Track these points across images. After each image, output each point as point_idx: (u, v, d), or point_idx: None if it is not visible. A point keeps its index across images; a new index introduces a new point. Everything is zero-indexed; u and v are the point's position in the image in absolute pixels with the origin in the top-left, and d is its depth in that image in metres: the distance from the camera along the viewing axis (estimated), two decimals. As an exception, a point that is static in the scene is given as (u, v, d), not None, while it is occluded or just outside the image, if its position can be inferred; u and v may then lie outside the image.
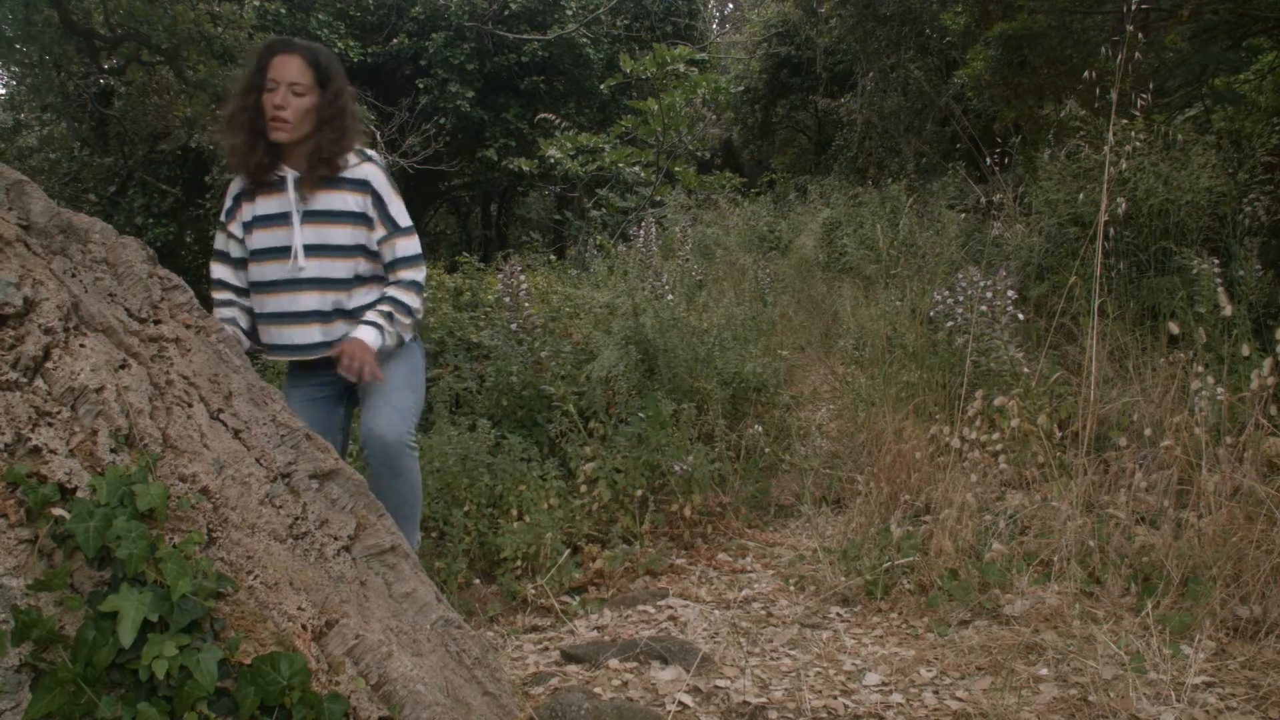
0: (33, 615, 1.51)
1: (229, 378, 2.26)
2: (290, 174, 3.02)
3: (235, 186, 3.12)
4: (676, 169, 11.27)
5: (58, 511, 1.65)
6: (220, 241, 3.17)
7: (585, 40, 16.26)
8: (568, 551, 4.13)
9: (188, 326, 2.30)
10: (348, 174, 3.04)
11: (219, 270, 3.17)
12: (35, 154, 15.51)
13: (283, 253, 3.04)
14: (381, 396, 3.04)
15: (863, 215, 9.42)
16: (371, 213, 3.05)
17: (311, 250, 3.04)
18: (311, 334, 3.06)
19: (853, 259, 8.23)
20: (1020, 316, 5.31)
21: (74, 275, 2.13)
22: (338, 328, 3.05)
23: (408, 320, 3.07)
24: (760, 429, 5.16)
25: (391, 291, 3.07)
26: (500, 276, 5.64)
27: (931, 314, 5.76)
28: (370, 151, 3.18)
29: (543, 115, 12.76)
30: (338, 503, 2.29)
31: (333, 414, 3.20)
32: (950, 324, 5.40)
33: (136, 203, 13.29)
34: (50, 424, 1.78)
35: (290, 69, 2.97)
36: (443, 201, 18.94)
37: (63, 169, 15.34)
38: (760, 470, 5.02)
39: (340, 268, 3.05)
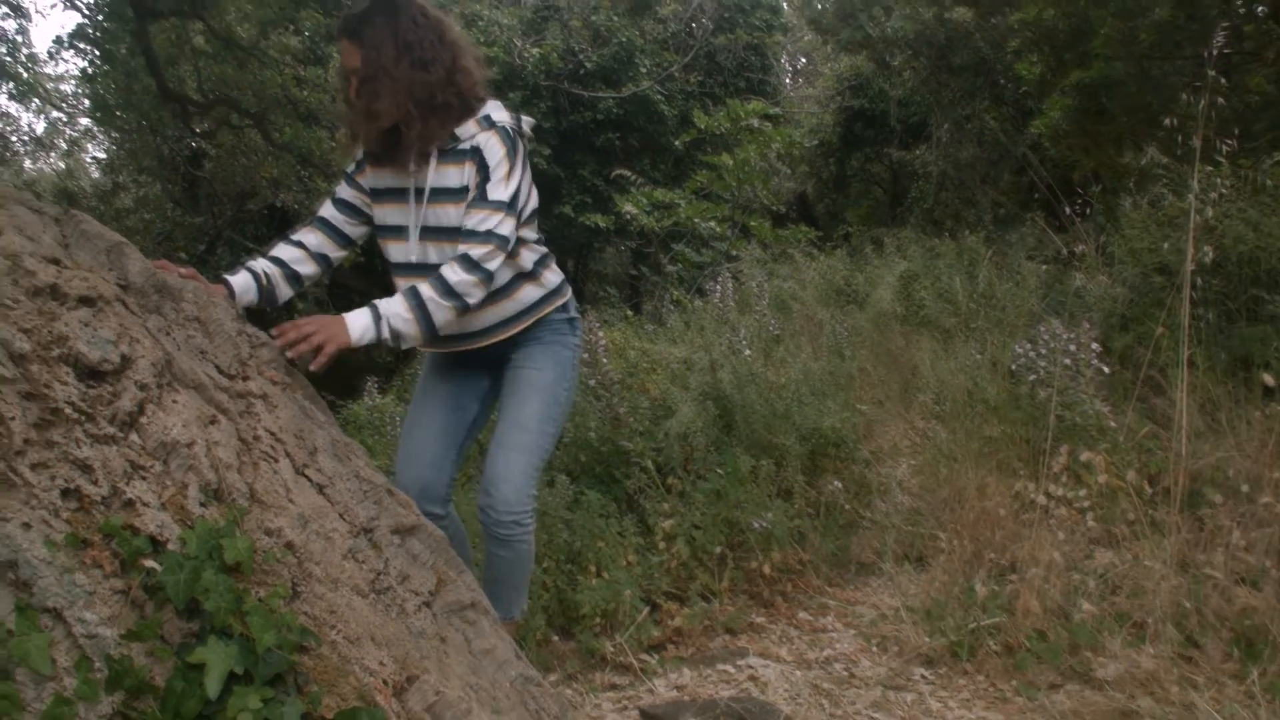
0: (125, 664, 1.55)
1: (314, 433, 2.31)
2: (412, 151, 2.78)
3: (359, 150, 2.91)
4: (751, 223, 11.29)
5: (149, 563, 1.69)
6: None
7: (659, 97, 16.44)
8: (646, 609, 4.11)
9: (274, 383, 2.35)
10: (465, 144, 2.75)
11: (323, 207, 2.97)
12: (131, 214, 16.09)
13: (401, 232, 2.85)
14: (513, 434, 2.86)
15: (940, 267, 9.33)
16: (473, 187, 2.73)
17: (428, 233, 2.80)
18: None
19: (931, 312, 8.14)
20: (1105, 369, 5.19)
21: (167, 333, 2.20)
22: (482, 317, 2.84)
23: (447, 303, 2.62)
24: (839, 485, 5.10)
25: (439, 271, 2.66)
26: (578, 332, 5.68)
27: (1013, 367, 5.66)
28: (499, 115, 2.82)
29: (618, 171, 12.91)
30: (419, 558, 2.31)
31: (463, 412, 3.06)
32: (1032, 377, 5.30)
33: (225, 260, 13.70)
34: (144, 477, 1.83)
35: (346, 56, 2.75)
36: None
37: (156, 228, 15.91)
38: (840, 527, 4.96)
39: (439, 252, 2.78)
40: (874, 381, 7.51)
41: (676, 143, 14.92)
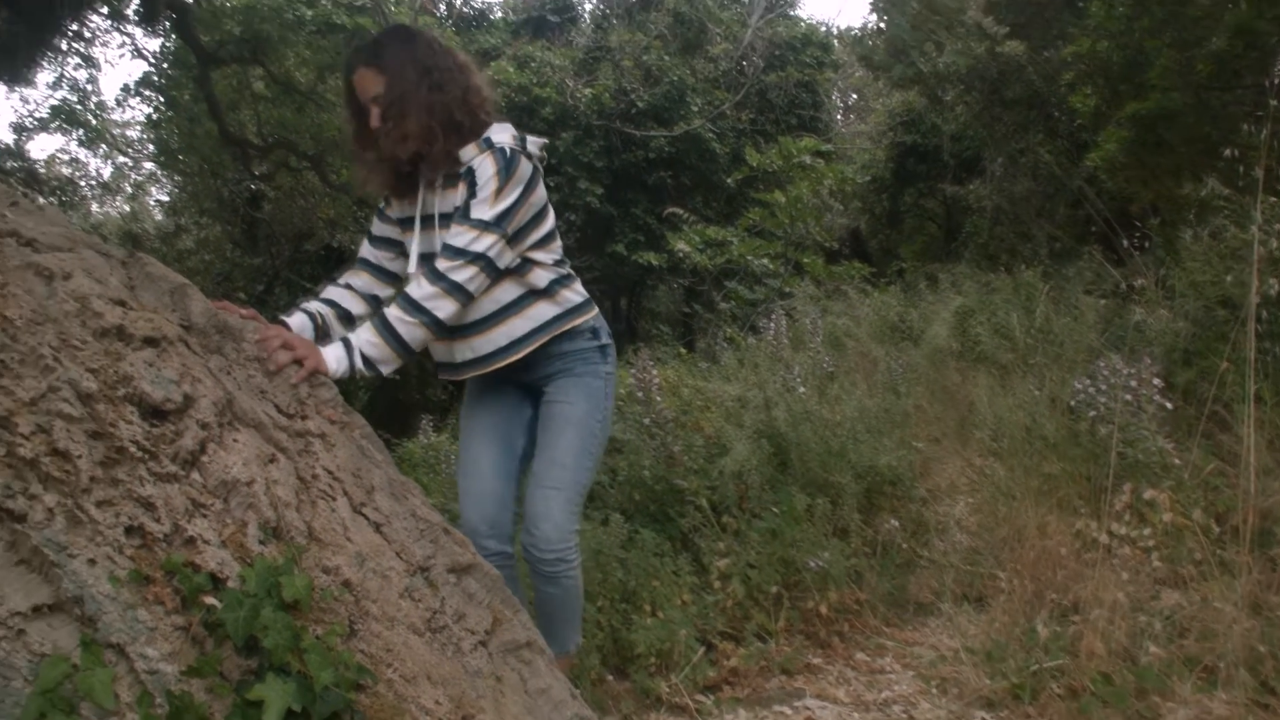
0: (185, 700, 1.56)
1: (371, 472, 2.33)
2: (423, 175, 2.82)
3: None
4: (804, 260, 11.28)
5: (209, 600, 1.71)
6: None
7: (711, 135, 16.54)
8: (702, 649, 4.07)
9: (332, 422, 2.38)
10: (463, 167, 2.75)
11: (361, 248, 3.01)
12: (193, 255, 16.47)
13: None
14: (550, 472, 2.86)
15: (996, 302, 9.24)
16: (460, 203, 2.72)
17: (424, 260, 2.78)
18: (454, 351, 2.84)
19: (987, 348, 8.05)
20: (1168, 405, 5.10)
21: (228, 372, 2.23)
22: (491, 338, 2.82)
23: (412, 319, 2.59)
24: (896, 523, 5.04)
25: (404, 288, 2.65)
26: (632, 371, 5.70)
27: (1072, 403, 5.57)
28: (499, 138, 2.78)
29: (671, 209, 12.97)
30: (474, 597, 2.32)
31: (514, 447, 3.06)
32: (1093, 413, 5.21)
33: (282, 300, 13.95)
34: (204, 515, 1.86)
35: (365, 84, 2.77)
36: (573, 296, 19.27)
37: (216, 269, 16.28)
38: (897, 566, 4.90)
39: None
40: (930, 418, 7.43)
41: (729, 180, 14.98)
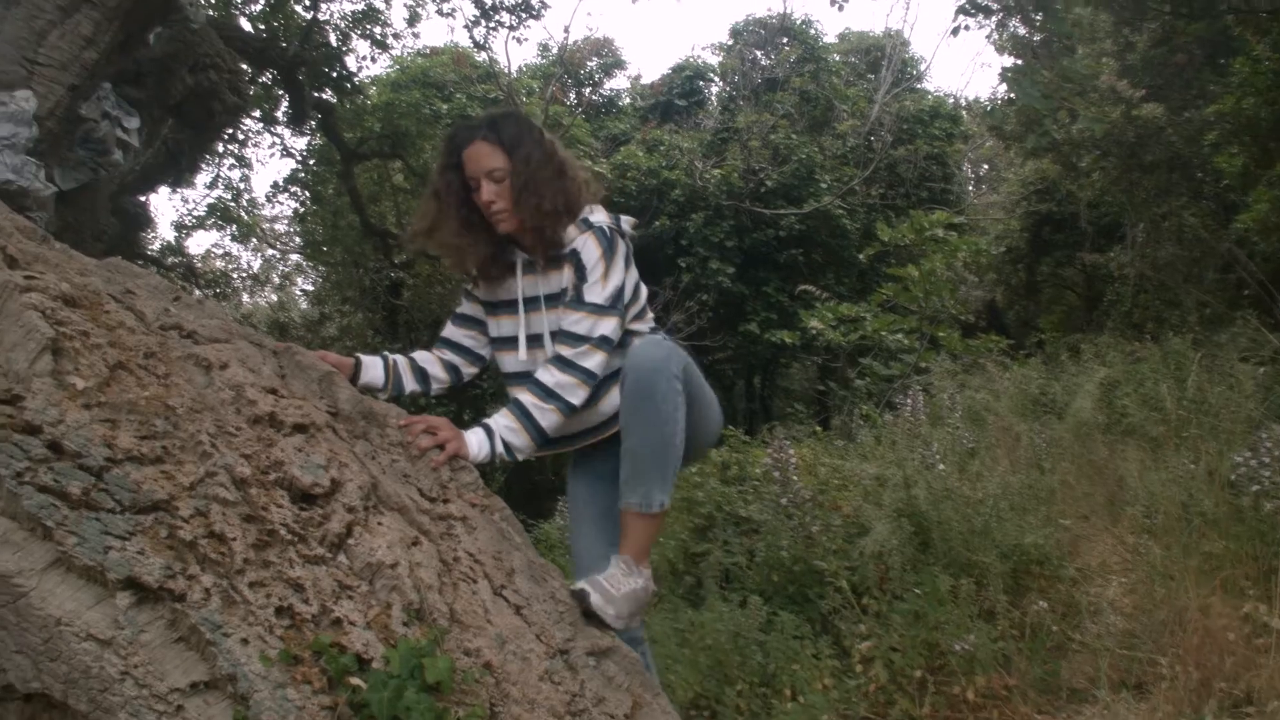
0: (334, 783, 1.59)
1: (511, 555, 2.36)
2: (520, 257, 2.85)
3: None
4: (940, 334, 11.08)
5: (355, 681, 1.74)
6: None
7: (841, 211, 16.52)
8: (845, 736, 3.96)
9: (473, 505, 2.42)
10: (566, 249, 2.79)
11: (445, 328, 3.08)
12: (336, 342, 17.07)
13: (512, 343, 2.90)
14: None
15: (1143, 373, 8.89)
16: (571, 289, 2.77)
17: (534, 340, 2.85)
18: (566, 424, 2.78)
19: (1136, 420, 7.73)
20: (1338, 478, 4.81)
21: (373, 457, 2.30)
22: (599, 410, 2.83)
23: (548, 405, 2.65)
24: (1045, 605, 4.84)
25: (535, 375, 2.70)
26: (768, 450, 5.66)
27: (1233, 477, 5.30)
28: (596, 218, 2.84)
29: (803, 287, 12.95)
30: (614, 680, 2.31)
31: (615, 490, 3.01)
32: (1255, 488, 4.95)
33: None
34: (351, 597, 1.91)
35: (482, 158, 2.78)
36: (707, 375, 19.30)
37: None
38: (1048, 650, 4.69)
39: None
40: (1077, 495, 7.16)
41: (860, 256, 14.89)
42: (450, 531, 2.30)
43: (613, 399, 2.82)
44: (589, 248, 2.75)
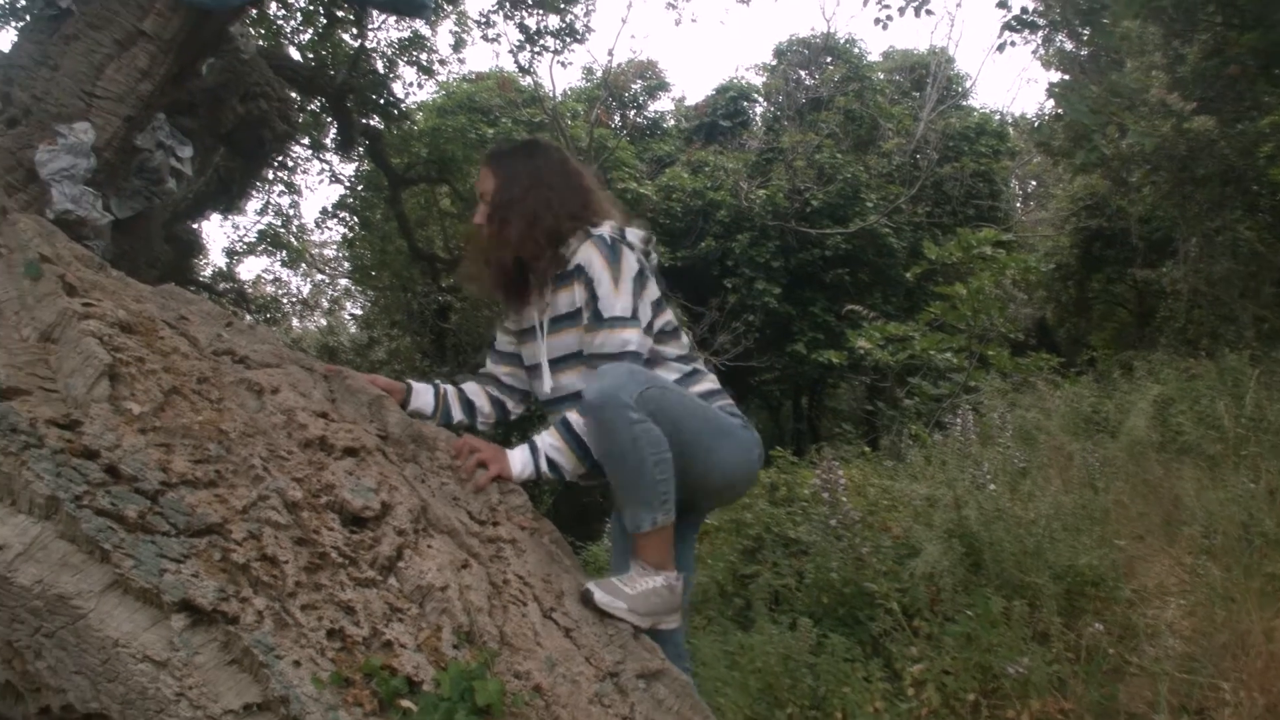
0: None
1: (560, 578, 2.36)
2: (534, 281, 2.81)
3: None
4: (989, 353, 10.97)
5: (405, 703, 1.75)
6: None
7: (887, 230, 16.45)
8: (897, 760, 3.91)
9: (523, 528, 2.43)
10: (571, 265, 2.71)
11: (486, 363, 3.09)
12: (384, 366, 17.22)
13: (536, 370, 2.87)
14: None
15: (1199, 390, 8.75)
16: (585, 307, 2.67)
17: (555, 364, 2.80)
18: None
19: (1191, 438, 7.60)
20: (1404, 496, 4.70)
21: (423, 480, 2.32)
22: None
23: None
24: (1101, 627, 4.75)
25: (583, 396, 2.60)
26: (817, 471, 5.62)
27: (1294, 496, 5.20)
28: (599, 229, 2.75)
29: (850, 307, 12.88)
30: (664, 703, 2.30)
31: None
32: (1319, 507, 4.85)
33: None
34: (401, 620, 1.92)
35: (480, 181, 2.87)
36: (754, 396, 19.29)
37: (407, 379, 16.97)
38: (1104, 673, 4.60)
39: (584, 378, 2.69)
40: (1132, 515, 7.04)
41: (907, 275, 14.79)
42: (500, 554, 2.31)
43: None
44: (592, 259, 2.66)
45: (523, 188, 2.77)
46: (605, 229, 2.75)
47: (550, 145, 2.99)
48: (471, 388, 3.02)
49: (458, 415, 2.95)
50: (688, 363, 2.85)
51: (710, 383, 2.87)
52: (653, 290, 2.77)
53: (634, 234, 2.83)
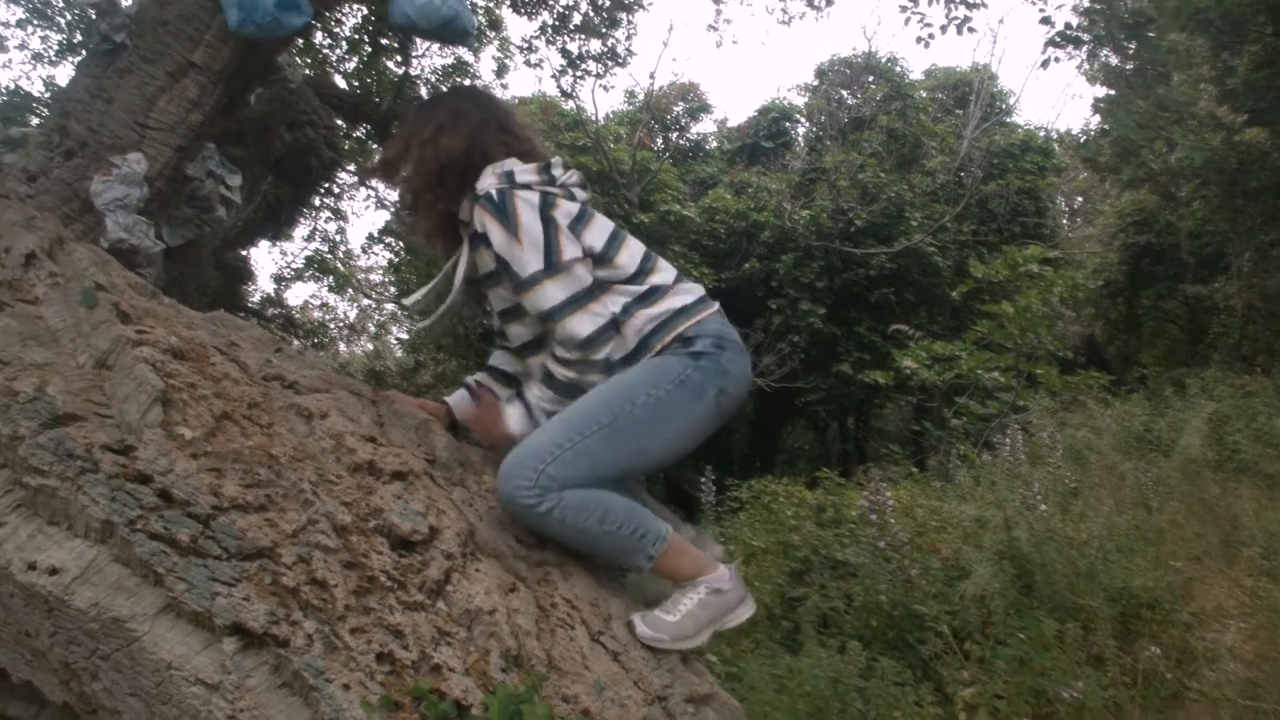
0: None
1: (608, 601, 2.35)
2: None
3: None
4: (1038, 371, 10.85)
5: (454, 727, 1.75)
6: None
7: (932, 249, 16.34)
8: (950, 786, 3.86)
9: (569, 552, 2.43)
10: (475, 228, 2.60)
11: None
12: (430, 390, 17.32)
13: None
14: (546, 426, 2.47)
15: (1255, 407, 8.60)
16: (501, 269, 2.57)
17: (504, 316, 2.76)
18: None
19: (1248, 457, 7.46)
20: None
21: (470, 504, 2.32)
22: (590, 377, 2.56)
23: (571, 372, 2.51)
24: (1158, 651, 4.66)
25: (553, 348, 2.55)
26: (864, 492, 5.58)
27: (1356, 516, 5.08)
28: (483, 184, 2.61)
29: (896, 327, 12.80)
30: (712, 728, 2.28)
31: None
32: (1382, 527, 4.74)
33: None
34: (449, 643, 1.92)
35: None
36: (800, 417, 19.20)
37: (451, 404, 17.11)
38: (1162, 699, 4.52)
39: (528, 329, 2.69)
40: (1188, 536, 6.91)
41: (953, 294, 14.69)
42: (547, 578, 2.31)
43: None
44: (487, 225, 2.53)
45: (426, 125, 2.73)
46: (488, 180, 2.60)
47: (449, 91, 2.98)
48: (498, 358, 2.94)
49: (503, 392, 2.86)
50: (641, 280, 2.61)
51: (678, 297, 2.61)
52: (566, 210, 2.60)
53: (524, 171, 2.63)
